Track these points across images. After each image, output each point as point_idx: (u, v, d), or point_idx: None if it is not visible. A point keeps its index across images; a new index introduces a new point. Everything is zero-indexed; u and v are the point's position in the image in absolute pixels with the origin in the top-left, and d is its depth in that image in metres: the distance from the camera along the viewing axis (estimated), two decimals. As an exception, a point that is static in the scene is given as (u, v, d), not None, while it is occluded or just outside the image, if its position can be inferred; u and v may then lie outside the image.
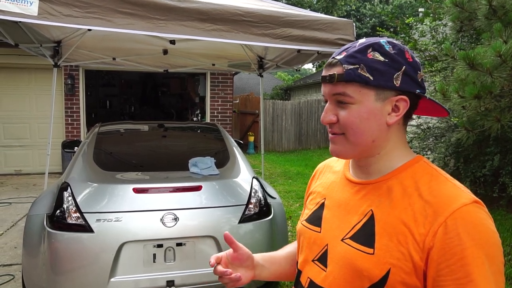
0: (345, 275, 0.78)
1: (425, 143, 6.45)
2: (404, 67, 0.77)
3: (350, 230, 0.81)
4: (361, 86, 0.76)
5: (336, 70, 0.78)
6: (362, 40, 0.81)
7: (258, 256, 1.01)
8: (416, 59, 0.80)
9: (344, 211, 0.84)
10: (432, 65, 6.26)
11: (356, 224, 0.80)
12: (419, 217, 0.72)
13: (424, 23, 7.41)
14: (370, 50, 0.77)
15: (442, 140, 6.09)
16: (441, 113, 0.87)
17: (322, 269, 0.83)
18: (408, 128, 7.08)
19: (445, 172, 0.80)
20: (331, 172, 0.97)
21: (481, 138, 5.07)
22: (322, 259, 0.84)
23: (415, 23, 7.61)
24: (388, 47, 0.78)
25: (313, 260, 0.87)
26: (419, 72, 0.79)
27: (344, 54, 0.79)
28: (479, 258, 0.67)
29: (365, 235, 0.77)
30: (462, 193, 0.73)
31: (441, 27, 6.86)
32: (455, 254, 0.68)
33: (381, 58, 0.76)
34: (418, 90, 0.78)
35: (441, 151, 5.97)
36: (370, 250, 0.75)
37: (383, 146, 0.81)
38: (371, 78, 0.76)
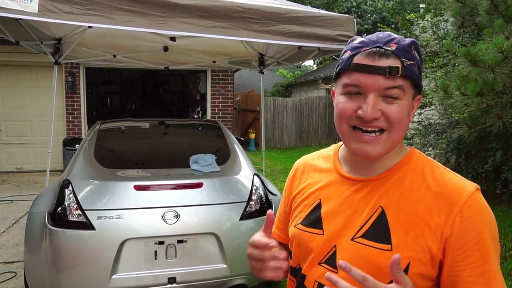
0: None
1: (426, 140, 6.44)
2: (421, 68, 0.78)
3: (360, 229, 0.78)
4: (411, 84, 0.75)
5: (394, 62, 0.73)
6: (396, 35, 0.78)
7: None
8: None
9: (348, 209, 0.81)
10: (433, 61, 6.25)
11: (366, 222, 0.78)
12: (433, 208, 0.74)
13: (425, 19, 7.38)
14: (413, 47, 0.76)
15: (444, 136, 6.08)
16: None
17: (332, 271, 0.79)
18: (410, 125, 7.06)
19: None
20: (317, 171, 0.92)
21: (482, 134, 5.06)
22: (331, 261, 0.80)
23: (416, 19, 7.59)
24: (419, 47, 0.79)
25: (319, 263, 0.82)
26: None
27: (395, 46, 0.74)
28: (489, 239, 0.72)
29: (378, 232, 0.76)
30: (465, 182, 0.77)
31: (442, 23, 6.84)
32: (471, 239, 0.72)
33: (418, 58, 0.77)
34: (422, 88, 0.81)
35: (442, 147, 5.97)
36: (388, 247, 0.74)
37: (401, 142, 0.83)
38: (419, 76, 0.76)
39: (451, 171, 0.80)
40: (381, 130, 0.75)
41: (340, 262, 0.66)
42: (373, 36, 0.78)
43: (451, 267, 0.73)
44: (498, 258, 0.74)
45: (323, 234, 0.83)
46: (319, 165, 0.94)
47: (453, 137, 5.71)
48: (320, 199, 0.87)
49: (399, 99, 0.74)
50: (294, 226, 0.90)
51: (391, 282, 0.70)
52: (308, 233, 0.85)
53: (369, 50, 0.74)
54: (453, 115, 5.21)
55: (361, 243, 0.77)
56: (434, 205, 0.74)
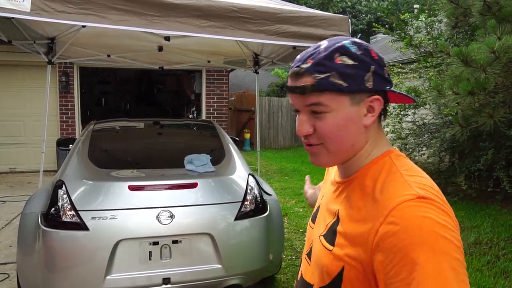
0: (316, 269, 0.83)
1: (420, 139, 6.48)
2: (372, 66, 0.75)
3: (324, 229, 0.84)
4: (335, 94, 0.74)
5: (305, 81, 0.74)
6: (325, 44, 0.77)
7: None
8: (380, 55, 0.78)
9: (326, 209, 0.88)
10: (427, 61, 6.29)
11: (328, 223, 0.83)
12: (368, 216, 0.71)
13: (420, 19, 7.43)
14: (338, 54, 0.74)
15: (437, 136, 6.13)
16: (407, 100, 0.86)
17: (308, 263, 0.89)
18: (404, 125, 7.12)
19: (411, 167, 0.77)
20: (332, 171, 0.99)
21: (475, 133, 5.10)
22: (309, 254, 0.89)
23: (410, 19, 7.63)
24: (354, 49, 0.75)
25: (305, 254, 0.92)
26: (385, 67, 0.78)
27: (310, 62, 0.75)
28: (421, 256, 0.62)
29: (330, 234, 0.80)
30: (407, 190, 0.70)
31: (436, 23, 6.89)
32: (397, 253, 0.64)
33: (350, 62, 0.74)
34: (387, 87, 0.78)
35: (436, 146, 6.01)
36: (331, 248, 0.78)
37: (361, 148, 0.80)
38: (345, 84, 0.73)
39: (409, 179, 0.72)
40: (320, 144, 0.78)
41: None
42: (303, 53, 0.79)
43: (386, 284, 0.66)
44: (447, 274, 0.62)
45: (313, 229, 0.93)
46: (333, 168, 1.01)
47: (446, 137, 5.75)
48: (323, 196, 0.96)
49: (325, 112, 0.75)
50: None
51: (331, 282, 0.76)
52: (309, 227, 0.97)
53: (291, 71, 0.78)
54: (444, 112, 5.25)
55: (320, 242, 0.83)
56: (369, 213, 0.71)
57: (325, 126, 0.76)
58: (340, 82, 0.73)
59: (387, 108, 0.82)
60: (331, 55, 0.74)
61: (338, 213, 0.81)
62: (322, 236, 0.83)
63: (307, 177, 1.32)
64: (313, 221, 0.95)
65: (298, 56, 0.79)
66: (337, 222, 0.80)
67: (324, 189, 0.98)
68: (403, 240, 0.64)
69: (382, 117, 0.81)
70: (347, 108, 0.75)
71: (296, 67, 0.77)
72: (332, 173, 0.97)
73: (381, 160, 0.79)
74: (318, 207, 0.95)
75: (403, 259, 0.63)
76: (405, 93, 0.83)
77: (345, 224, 0.77)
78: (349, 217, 0.76)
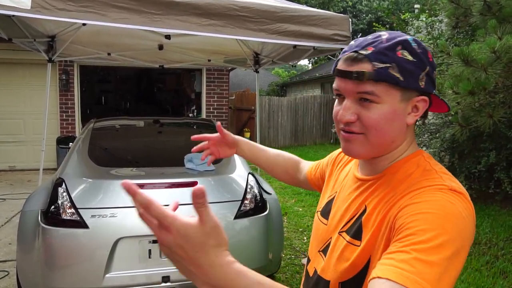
0: (336, 265, 0.81)
1: (420, 139, 6.48)
2: (428, 67, 0.75)
3: (346, 224, 0.83)
4: (390, 86, 0.73)
5: (364, 67, 0.73)
6: (386, 35, 0.76)
7: (245, 145, 1.25)
8: (433, 60, 0.79)
9: (346, 205, 0.86)
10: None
11: (352, 218, 0.82)
12: (396, 205, 0.71)
13: (420, 19, 7.43)
14: (400, 48, 0.74)
15: (437, 136, 6.13)
16: (443, 109, 0.85)
17: (323, 259, 0.87)
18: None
19: (443, 167, 0.78)
20: (346, 166, 0.98)
21: (475, 134, 5.10)
22: (325, 251, 0.88)
23: (411, 19, 7.63)
24: (415, 46, 0.75)
25: (319, 251, 0.90)
26: (435, 71, 0.78)
27: (371, 49, 0.74)
28: (430, 231, 0.61)
29: (356, 229, 0.79)
30: (440, 180, 0.71)
31: (437, 23, 6.88)
32: (413, 218, 0.64)
33: (410, 58, 0.73)
34: (434, 91, 0.78)
35: (436, 146, 6.01)
36: (358, 243, 0.77)
37: (399, 145, 0.80)
38: (402, 79, 0.73)
39: (443, 176, 0.73)
40: (362, 134, 0.77)
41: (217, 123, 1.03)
42: (360, 39, 0.78)
43: (393, 241, 0.66)
44: (440, 262, 0.60)
45: (326, 225, 0.91)
46: (348, 160, 0.99)
47: (446, 137, 5.75)
48: (336, 192, 0.94)
49: (375, 103, 0.74)
50: (316, 213, 1.00)
51: (357, 275, 0.75)
52: (319, 222, 0.94)
53: (347, 55, 0.76)
54: (447, 114, 5.25)
55: (343, 237, 0.82)
56: (400, 199, 0.72)
57: (372, 117, 0.74)
58: (398, 75, 0.72)
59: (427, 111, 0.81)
60: (394, 47, 0.74)
61: (364, 209, 0.79)
62: (344, 232, 0.82)
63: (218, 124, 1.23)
64: (325, 216, 0.92)
65: (353, 42, 0.78)
66: (361, 216, 0.79)
67: (339, 186, 0.95)
68: (423, 211, 0.65)
69: (422, 119, 0.81)
70: (396, 103, 0.75)
71: (354, 51, 0.75)
72: (348, 169, 0.96)
73: (415, 158, 0.79)
74: (330, 203, 0.94)
75: (416, 226, 0.63)
76: (445, 100, 0.82)
77: (373, 218, 0.76)
78: (378, 211, 0.76)
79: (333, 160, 1.05)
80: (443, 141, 5.93)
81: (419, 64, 0.74)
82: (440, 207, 0.65)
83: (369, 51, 0.74)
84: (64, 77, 8.05)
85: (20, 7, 2.16)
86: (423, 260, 0.59)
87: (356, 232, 0.79)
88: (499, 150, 5.30)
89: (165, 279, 2.42)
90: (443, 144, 5.94)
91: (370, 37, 0.78)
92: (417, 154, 0.80)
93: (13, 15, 2.81)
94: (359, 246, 0.76)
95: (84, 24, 3.10)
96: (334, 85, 0.80)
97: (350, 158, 0.98)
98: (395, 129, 0.76)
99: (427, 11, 7.20)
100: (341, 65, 0.77)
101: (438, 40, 6.26)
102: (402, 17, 7.55)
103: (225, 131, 1.23)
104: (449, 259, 0.61)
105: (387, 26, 8.43)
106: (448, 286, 0.60)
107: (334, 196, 0.94)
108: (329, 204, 0.94)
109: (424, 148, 6.46)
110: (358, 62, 0.74)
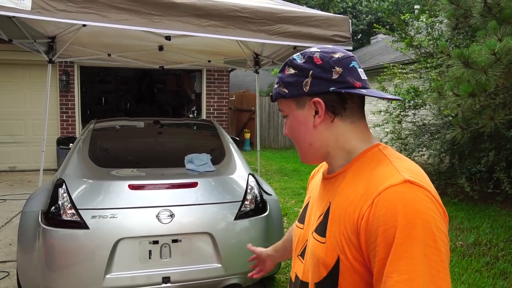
0: (311, 266, 0.83)
1: (420, 140, 6.48)
2: (311, 71, 0.81)
3: (315, 224, 0.86)
4: (284, 100, 0.87)
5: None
6: (295, 56, 0.87)
7: (270, 250, 1.33)
8: (330, 59, 0.81)
9: (316, 206, 0.90)
10: (428, 62, 6.29)
11: (319, 217, 0.85)
12: (356, 201, 0.75)
13: (420, 20, 7.43)
14: (286, 67, 0.86)
15: (437, 137, 6.13)
16: (389, 99, 0.88)
17: (302, 263, 0.90)
18: (404, 125, 7.12)
19: (400, 156, 0.80)
20: (318, 173, 1.04)
21: (475, 135, 5.10)
22: (303, 254, 0.90)
23: (411, 20, 7.63)
24: (299, 59, 0.84)
25: (298, 256, 0.93)
26: (333, 69, 0.80)
27: None
28: (397, 240, 0.66)
29: (322, 226, 0.82)
30: (394, 174, 0.73)
31: (437, 24, 6.89)
32: (378, 235, 0.68)
33: (292, 71, 0.84)
34: (332, 88, 0.80)
35: (436, 147, 6.01)
36: (323, 240, 0.79)
37: (324, 146, 0.85)
38: (286, 91, 0.84)
39: (397, 164, 0.76)
40: None
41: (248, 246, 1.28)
42: None
43: (370, 263, 0.71)
44: (424, 261, 0.65)
45: (303, 229, 0.94)
46: (321, 168, 1.04)
47: (446, 138, 5.75)
48: (310, 197, 0.98)
49: (286, 116, 0.89)
50: (295, 223, 1.03)
51: (328, 275, 0.77)
52: (297, 228, 0.98)
53: None
54: (444, 112, 5.25)
55: (313, 237, 0.84)
56: (358, 198, 0.74)
57: (287, 128, 0.90)
58: (284, 89, 0.85)
59: (348, 105, 0.82)
60: (283, 68, 0.87)
61: (328, 205, 0.82)
62: (314, 232, 0.85)
63: (249, 246, 1.39)
64: (301, 221, 0.96)
65: None
66: (327, 213, 0.82)
67: (310, 191, 1.01)
68: (385, 224, 0.68)
69: (340, 115, 0.82)
70: (295, 111, 0.86)
71: None
72: (319, 174, 1.00)
73: (369, 152, 0.82)
74: (305, 208, 0.97)
75: (382, 242, 0.67)
76: (375, 95, 0.81)
77: (335, 213, 0.79)
78: (339, 207, 0.78)
79: (310, 177, 1.11)
80: (443, 142, 5.93)
81: (301, 72, 0.83)
82: (399, 218, 0.67)
83: None
84: (64, 78, 8.05)
85: (20, 8, 2.17)
86: (407, 279, 0.64)
87: (321, 229, 0.82)
88: (498, 150, 5.30)
89: (165, 279, 2.42)
90: (443, 145, 5.94)
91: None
92: (373, 148, 0.83)
93: (13, 16, 2.81)
94: (324, 243, 0.79)
95: (84, 25, 3.11)
96: None
97: (320, 166, 1.06)
98: (302, 133, 0.86)
99: (427, 11, 7.19)
100: None
101: (438, 41, 6.27)
102: (402, 17, 7.55)
103: (258, 249, 1.35)
104: (425, 256, 0.65)
105: (387, 26, 8.41)
106: (439, 274, 0.65)
107: (309, 201, 0.98)
108: (305, 209, 0.98)
109: (424, 149, 6.46)
110: None
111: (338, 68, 0.81)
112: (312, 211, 0.92)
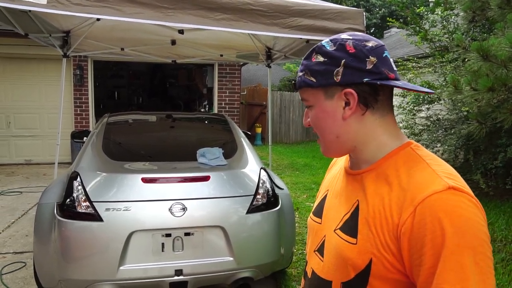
0: (335, 265, 0.80)
1: (434, 136, 6.38)
2: (343, 60, 0.77)
3: (340, 221, 0.82)
4: (310, 89, 0.81)
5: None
6: (321, 44, 0.83)
7: None
8: (364, 47, 0.77)
9: (338, 202, 0.86)
10: (443, 56, 6.17)
11: (345, 215, 0.82)
12: (394, 206, 0.72)
13: (435, 13, 7.28)
14: (314, 53, 0.81)
15: (452, 132, 6.02)
16: (420, 91, 0.83)
17: (320, 259, 0.86)
18: (418, 120, 7.01)
19: (434, 157, 0.77)
20: (337, 165, 0.99)
21: (492, 130, 4.99)
22: (320, 250, 0.87)
23: (426, 13, 7.48)
24: (329, 46, 0.79)
25: (314, 251, 0.90)
26: (367, 59, 0.76)
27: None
28: (446, 249, 0.64)
29: (350, 226, 0.79)
30: (436, 180, 0.70)
31: (453, 17, 6.74)
32: (424, 244, 0.66)
33: (321, 59, 0.79)
34: (366, 79, 0.76)
35: (451, 143, 5.91)
36: (354, 240, 0.76)
37: (352, 139, 0.81)
38: (314, 80, 0.79)
39: (437, 168, 0.73)
40: None
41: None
42: None
43: (411, 271, 0.69)
44: (472, 270, 0.64)
45: (320, 223, 0.91)
46: (341, 159, 1.00)
47: (462, 133, 5.65)
48: (328, 190, 0.94)
49: (310, 106, 0.84)
50: (309, 216, 0.99)
51: (358, 275, 0.75)
52: (313, 222, 0.95)
53: None
54: (462, 108, 5.15)
55: (338, 235, 0.81)
56: (396, 203, 0.72)
57: (311, 118, 0.84)
58: (311, 78, 0.80)
59: (380, 97, 0.78)
60: (310, 55, 0.82)
61: (357, 204, 0.79)
62: (338, 230, 0.82)
63: None
64: (318, 215, 0.93)
65: None
66: (356, 213, 0.78)
67: (329, 183, 0.96)
68: (432, 232, 0.66)
69: (372, 108, 0.78)
70: (323, 102, 0.81)
71: None
72: (338, 167, 0.96)
73: (402, 151, 0.79)
74: (322, 202, 0.94)
75: (430, 251, 0.66)
76: (411, 88, 0.78)
77: (367, 215, 0.76)
78: (372, 209, 0.75)
79: (326, 174, 1.08)
80: (458, 137, 5.82)
81: (331, 61, 0.78)
82: (446, 227, 0.65)
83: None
84: (78, 72, 8.15)
85: (36, 2, 2.19)
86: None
87: (350, 228, 0.78)
88: (516, 146, 5.18)
89: (178, 272, 2.45)
90: (458, 140, 5.84)
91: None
92: (405, 146, 0.79)
93: (29, 10, 2.85)
94: (355, 244, 0.76)
95: (98, 19, 3.13)
96: None
97: (336, 158, 1.03)
98: (330, 125, 0.81)
99: (442, 4, 7.04)
100: None
101: (454, 35, 6.14)
102: (417, 11, 7.41)
103: None
104: (476, 263, 0.64)
105: (401, 20, 8.27)
106: (489, 281, 0.65)
107: (326, 194, 0.94)
108: (321, 203, 0.94)
109: (439, 145, 6.36)
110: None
111: (372, 58, 0.76)
112: (332, 206, 0.88)
